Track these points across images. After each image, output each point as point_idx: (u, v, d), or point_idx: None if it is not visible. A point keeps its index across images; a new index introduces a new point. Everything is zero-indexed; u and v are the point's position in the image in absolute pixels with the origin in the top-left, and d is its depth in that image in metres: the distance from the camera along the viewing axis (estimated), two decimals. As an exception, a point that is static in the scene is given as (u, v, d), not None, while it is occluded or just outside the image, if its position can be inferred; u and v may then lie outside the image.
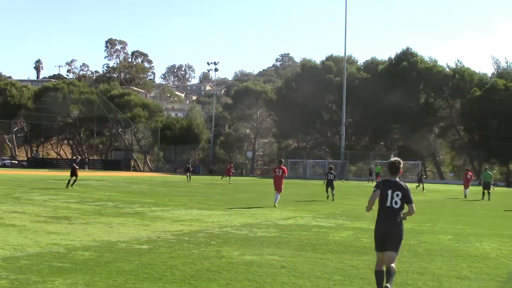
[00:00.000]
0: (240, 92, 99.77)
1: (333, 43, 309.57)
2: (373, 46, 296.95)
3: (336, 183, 29.17)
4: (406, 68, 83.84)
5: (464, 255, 11.25)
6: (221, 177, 57.72)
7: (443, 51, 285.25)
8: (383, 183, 7.74)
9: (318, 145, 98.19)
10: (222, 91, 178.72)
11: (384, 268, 7.45)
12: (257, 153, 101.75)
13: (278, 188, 23.15)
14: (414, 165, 78.44)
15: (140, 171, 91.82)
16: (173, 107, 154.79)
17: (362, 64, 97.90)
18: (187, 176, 49.05)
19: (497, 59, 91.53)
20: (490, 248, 12.43)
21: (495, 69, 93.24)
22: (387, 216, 7.49)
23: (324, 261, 10.17)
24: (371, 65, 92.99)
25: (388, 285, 7.16)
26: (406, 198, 7.48)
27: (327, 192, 29.03)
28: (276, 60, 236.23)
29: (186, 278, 8.30)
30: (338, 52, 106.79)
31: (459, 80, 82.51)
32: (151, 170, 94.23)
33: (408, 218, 7.71)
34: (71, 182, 31.14)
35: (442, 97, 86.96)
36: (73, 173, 31.59)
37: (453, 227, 16.48)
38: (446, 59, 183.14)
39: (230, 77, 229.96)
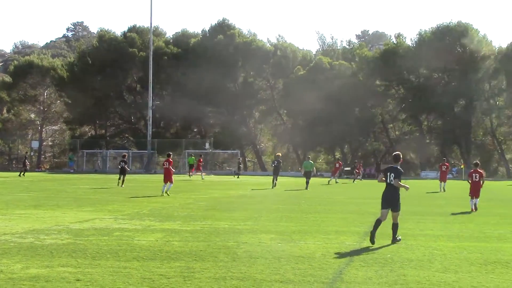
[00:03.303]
0: (22, 68, 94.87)
1: (137, 11, 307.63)
2: (185, 16, 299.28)
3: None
4: (222, 43, 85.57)
5: (287, 256, 11.79)
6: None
7: (263, 24, 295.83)
8: (387, 168, 14.74)
9: (120, 133, 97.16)
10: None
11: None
12: (45, 143, 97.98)
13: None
14: (233, 154, 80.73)
15: None
16: None
17: (171, 37, 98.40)
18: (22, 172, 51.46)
19: (322, 35, 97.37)
20: (315, 246, 13.19)
21: (320, 46, 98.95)
22: (388, 188, 14.28)
23: (128, 270, 10.11)
24: (182, 38, 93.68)
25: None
26: (397, 177, 14.07)
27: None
28: (67, 29, 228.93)
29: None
30: (143, 23, 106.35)
31: (281, 57, 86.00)
32: None
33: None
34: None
35: (263, 77, 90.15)
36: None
37: (276, 225, 17.22)
38: (267, 34, 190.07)
39: (8, 49, 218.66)
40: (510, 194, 26.47)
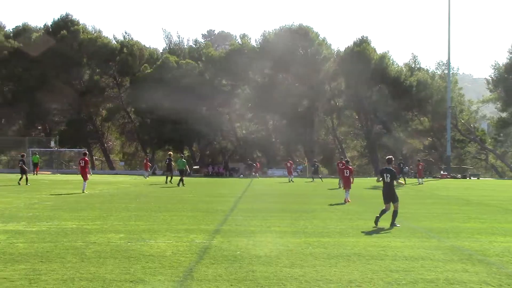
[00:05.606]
0: None
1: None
2: (26, 10, 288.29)
3: None
4: (65, 39, 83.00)
5: (137, 255, 11.70)
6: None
7: (109, 20, 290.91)
8: (383, 169, 18.04)
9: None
10: None
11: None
12: None
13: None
14: (80, 153, 78.77)
15: None
16: None
17: (11, 30, 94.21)
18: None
19: (169, 33, 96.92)
20: (165, 245, 13.14)
21: (167, 44, 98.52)
22: (386, 185, 17.72)
23: (-31, 275, 9.61)
24: (24, 32, 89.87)
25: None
26: (393, 177, 17.62)
27: None
28: None
29: None
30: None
31: (128, 54, 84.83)
32: None
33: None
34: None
35: (109, 74, 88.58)
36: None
37: (125, 224, 17.01)
38: (112, 31, 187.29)
39: None
40: (352, 191, 27.89)
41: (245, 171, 72.01)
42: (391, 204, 17.66)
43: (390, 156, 18.79)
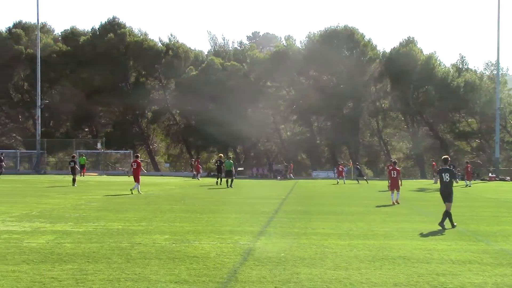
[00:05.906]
0: None
1: (22, 6, 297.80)
2: (73, 13, 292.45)
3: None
4: (112, 41, 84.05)
5: (182, 257, 11.76)
6: (80, 174, 54.81)
7: (154, 23, 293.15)
8: (441, 169, 18.35)
9: (8, 132, 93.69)
10: None
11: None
12: None
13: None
14: (125, 155, 79.61)
15: None
16: None
17: (60, 34, 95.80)
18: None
19: (214, 35, 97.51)
20: (209, 246, 13.19)
21: (212, 46, 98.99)
22: (443, 185, 17.97)
23: (17, 274, 9.79)
24: (71, 36, 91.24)
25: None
26: (452, 176, 18.00)
27: None
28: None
29: None
30: (29, 19, 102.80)
31: (173, 57, 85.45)
32: None
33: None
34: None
35: (155, 76, 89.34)
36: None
37: (170, 225, 17.11)
38: (158, 33, 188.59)
39: None
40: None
41: (285, 173, 71.88)
42: (446, 204, 17.85)
43: (446, 156, 19.21)
